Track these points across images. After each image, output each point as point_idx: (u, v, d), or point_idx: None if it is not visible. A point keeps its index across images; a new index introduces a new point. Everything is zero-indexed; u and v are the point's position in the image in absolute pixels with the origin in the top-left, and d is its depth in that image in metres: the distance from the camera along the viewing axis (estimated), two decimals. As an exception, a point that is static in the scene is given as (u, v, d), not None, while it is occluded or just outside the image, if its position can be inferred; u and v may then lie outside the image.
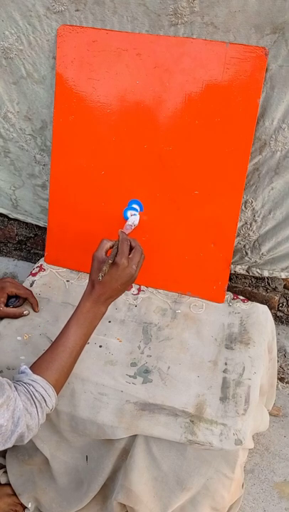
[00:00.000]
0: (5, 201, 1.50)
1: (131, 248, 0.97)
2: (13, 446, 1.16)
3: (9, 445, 0.82)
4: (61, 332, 0.95)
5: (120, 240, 0.97)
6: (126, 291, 1.25)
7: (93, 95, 1.15)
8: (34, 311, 1.18)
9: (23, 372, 0.90)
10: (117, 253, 0.95)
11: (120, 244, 0.96)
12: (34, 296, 1.20)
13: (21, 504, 1.14)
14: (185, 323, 1.17)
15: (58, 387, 0.91)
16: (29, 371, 0.90)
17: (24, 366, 0.90)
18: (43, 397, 0.86)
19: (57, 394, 0.90)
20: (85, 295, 0.96)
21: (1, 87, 1.25)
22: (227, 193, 1.14)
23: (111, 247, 0.98)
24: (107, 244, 0.98)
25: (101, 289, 0.95)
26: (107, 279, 0.94)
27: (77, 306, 0.96)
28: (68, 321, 0.96)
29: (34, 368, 0.91)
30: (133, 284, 1.27)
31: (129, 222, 1.16)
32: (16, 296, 1.18)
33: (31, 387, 0.86)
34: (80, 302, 0.96)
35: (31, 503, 1.13)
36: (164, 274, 1.25)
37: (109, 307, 1.20)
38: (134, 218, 1.17)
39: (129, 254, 0.96)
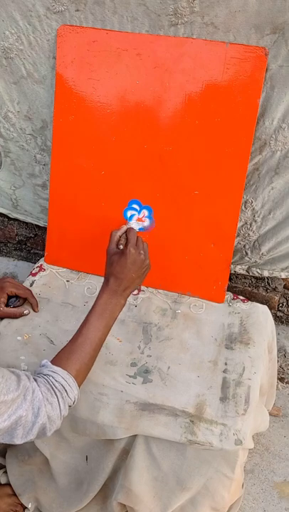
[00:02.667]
0: (5, 201, 1.50)
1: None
2: (13, 445, 1.16)
3: (31, 437, 0.81)
4: (81, 325, 0.95)
5: (127, 230, 1.03)
6: None
7: (93, 95, 1.15)
8: (34, 311, 1.18)
9: (43, 366, 0.89)
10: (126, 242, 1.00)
11: (127, 233, 1.02)
12: (34, 296, 1.20)
13: (21, 504, 1.14)
14: (185, 323, 1.17)
15: (79, 378, 0.89)
16: (49, 363, 0.89)
17: (45, 360, 0.90)
18: (64, 387, 0.85)
19: (79, 386, 0.89)
20: (102, 288, 0.98)
21: (2, 87, 1.25)
22: (227, 193, 1.14)
23: (120, 237, 1.03)
24: (116, 235, 1.02)
25: (115, 281, 0.97)
26: (120, 269, 0.97)
27: (96, 300, 0.97)
28: (87, 314, 0.96)
29: (54, 360, 0.91)
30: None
31: (133, 223, 1.21)
32: (16, 296, 1.18)
33: (51, 378, 0.85)
34: (98, 296, 0.98)
35: (31, 503, 1.13)
36: (164, 274, 1.25)
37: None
38: (138, 224, 1.22)
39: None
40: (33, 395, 0.80)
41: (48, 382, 0.85)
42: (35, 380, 0.85)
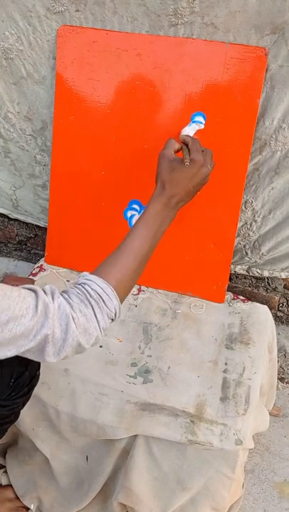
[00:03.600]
0: (5, 201, 1.50)
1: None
2: (13, 446, 1.16)
3: (65, 354, 0.73)
4: (126, 235, 0.86)
5: (190, 140, 0.91)
6: None
7: (93, 95, 1.15)
8: None
9: (80, 276, 0.81)
10: (189, 152, 0.89)
11: (192, 143, 0.90)
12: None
13: (23, 507, 1.12)
14: (185, 323, 1.17)
15: (120, 289, 0.79)
16: (86, 273, 0.80)
17: (84, 272, 0.81)
18: (100, 296, 0.76)
19: (120, 299, 0.79)
20: (155, 196, 0.89)
21: (2, 88, 1.25)
22: (227, 193, 1.14)
23: (179, 150, 0.91)
24: (176, 144, 0.91)
25: (173, 190, 0.87)
26: (181, 178, 0.87)
27: (146, 208, 0.88)
28: (135, 224, 0.87)
29: (94, 272, 0.81)
30: (133, 285, 1.27)
31: (189, 129, 1.04)
32: None
33: (86, 286, 0.77)
34: (148, 204, 0.88)
35: (34, 504, 1.12)
36: (164, 274, 1.25)
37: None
38: (194, 126, 1.05)
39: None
40: (59, 311, 0.72)
41: (82, 292, 0.76)
42: (66, 292, 0.77)
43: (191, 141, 0.91)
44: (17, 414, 0.95)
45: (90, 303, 0.75)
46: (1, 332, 0.67)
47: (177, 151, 0.93)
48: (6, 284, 0.70)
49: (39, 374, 0.96)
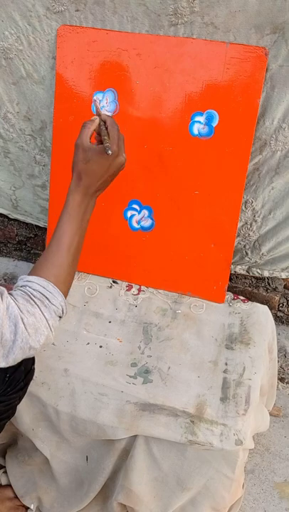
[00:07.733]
0: (5, 201, 1.50)
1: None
2: (13, 446, 1.16)
3: (13, 356, 0.74)
4: (54, 232, 0.86)
5: (109, 124, 0.88)
6: (126, 292, 1.25)
7: (93, 95, 1.15)
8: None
9: (19, 280, 0.82)
10: (109, 136, 0.86)
11: (110, 129, 0.87)
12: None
13: (23, 506, 1.12)
14: (185, 324, 1.17)
15: (60, 284, 0.81)
16: (24, 276, 0.81)
17: (22, 275, 0.82)
18: (43, 295, 0.78)
19: (64, 294, 0.81)
20: (73, 187, 0.89)
21: (1, 88, 1.25)
22: (227, 193, 1.14)
23: (94, 131, 0.89)
24: (91, 128, 0.88)
25: (89, 180, 0.87)
26: (97, 169, 0.86)
27: (66, 201, 0.89)
28: (59, 219, 0.87)
29: (30, 273, 0.82)
30: (133, 285, 1.27)
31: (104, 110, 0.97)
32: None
33: (27, 288, 0.78)
34: (67, 196, 0.89)
35: (34, 504, 1.12)
36: (164, 274, 1.25)
37: (109, 306, 1.21)
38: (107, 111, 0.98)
39: None
40: (7, 312, 0.73)
41: (25, 292, 0.77)
42: (11, 294, 0.77)
43: (110, 126, 0.88)
44: (14, 410, 0.95)
45: (35, 302, 0.76)
46: None
47: (92, 134, 0.90)
48: None
49: (34, 369, 0.96)
